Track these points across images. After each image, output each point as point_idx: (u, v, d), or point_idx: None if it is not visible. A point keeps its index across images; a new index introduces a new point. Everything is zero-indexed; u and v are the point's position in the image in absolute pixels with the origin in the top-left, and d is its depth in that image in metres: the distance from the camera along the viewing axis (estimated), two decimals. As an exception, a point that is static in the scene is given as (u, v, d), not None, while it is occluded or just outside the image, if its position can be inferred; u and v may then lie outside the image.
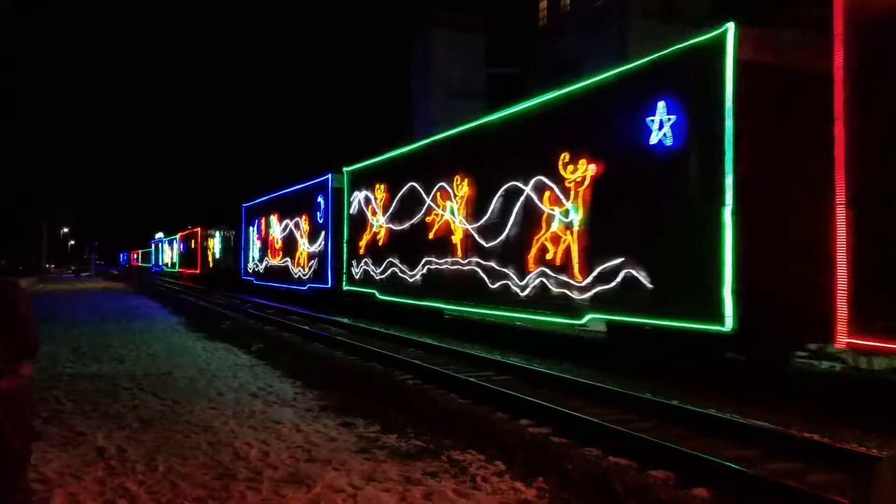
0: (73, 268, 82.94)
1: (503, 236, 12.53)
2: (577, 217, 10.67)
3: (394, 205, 17.23)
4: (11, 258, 55.53)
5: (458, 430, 6.43)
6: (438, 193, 14.97)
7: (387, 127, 43.81)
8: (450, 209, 14.47)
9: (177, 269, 59.18)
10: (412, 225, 16.19)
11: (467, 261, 13.72)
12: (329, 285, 21.66)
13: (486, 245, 13.03)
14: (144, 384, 8.98)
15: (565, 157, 10.84)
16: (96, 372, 10.00)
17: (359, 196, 19.58)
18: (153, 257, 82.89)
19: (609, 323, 10.38)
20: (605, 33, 30.56)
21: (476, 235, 13.41)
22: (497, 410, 7.84)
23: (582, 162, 10.52)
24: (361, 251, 19.14)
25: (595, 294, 10.19)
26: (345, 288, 20.50)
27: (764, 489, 4.83)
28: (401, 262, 16.75)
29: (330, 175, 21.87)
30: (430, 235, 15.24)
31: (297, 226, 25.04)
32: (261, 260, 30.55)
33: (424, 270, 15.52)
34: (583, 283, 10.45)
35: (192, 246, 50.55)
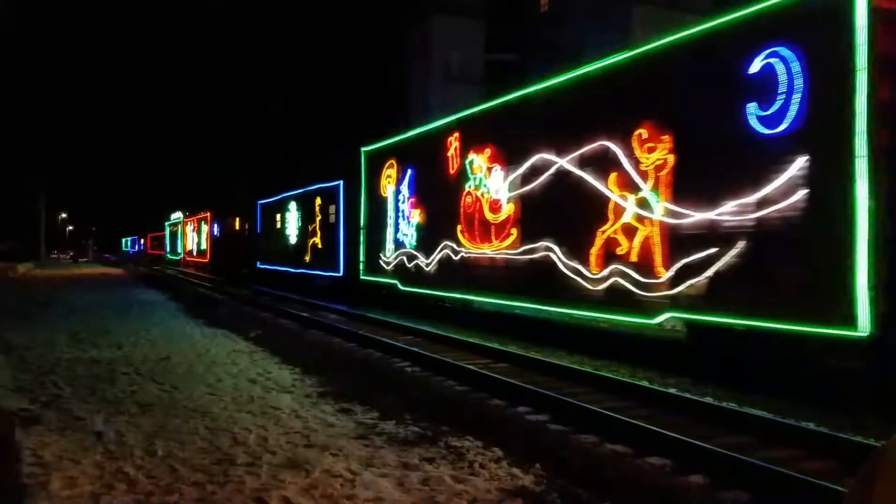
0: (70, 254, 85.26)
1: None
2: None
3: None
4: (10, 244, 55.59)
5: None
6: None
7: (382, 111, 43.55)
8: None
9: (206, 259, 44.02)
10: None
11: None
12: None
13: None
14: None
15: None
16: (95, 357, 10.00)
17: None
18: (168, 244, 66.50)
19: None
20: (608, 20, 30.35)
21: None
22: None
23: None
24: None
25: None
26: None
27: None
28: None
29: None
30: None
31: (598, 167, 10.48)
32: (426, 246, 15.74)
33: None
34: None
35: (237, 227, 34.40)
